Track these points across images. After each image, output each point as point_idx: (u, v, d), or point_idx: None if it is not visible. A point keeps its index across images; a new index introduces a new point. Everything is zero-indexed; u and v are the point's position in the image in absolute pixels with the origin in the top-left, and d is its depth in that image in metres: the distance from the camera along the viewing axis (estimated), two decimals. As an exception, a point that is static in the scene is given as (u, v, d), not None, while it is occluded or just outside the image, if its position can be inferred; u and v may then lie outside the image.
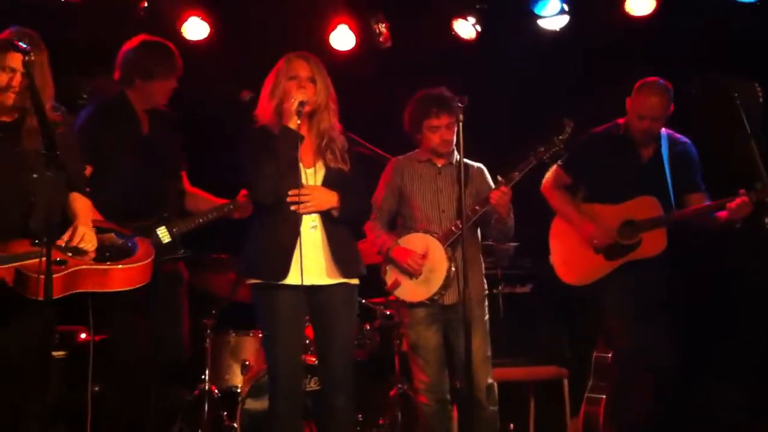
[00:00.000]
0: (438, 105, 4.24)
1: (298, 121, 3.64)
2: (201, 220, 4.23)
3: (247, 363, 4.80)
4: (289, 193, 3.66)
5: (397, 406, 4.83)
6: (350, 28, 5.57)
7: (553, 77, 5.65)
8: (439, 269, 4.21)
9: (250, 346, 4.87)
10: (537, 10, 5.49)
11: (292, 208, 3.65)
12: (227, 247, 4.83)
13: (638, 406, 4.40)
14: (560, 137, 4.25)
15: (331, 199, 3.69)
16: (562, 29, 5.52)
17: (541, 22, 5.54)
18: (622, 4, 5.44)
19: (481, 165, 4.44)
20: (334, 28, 5.55)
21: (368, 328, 5.06)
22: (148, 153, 4.18)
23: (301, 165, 3.69)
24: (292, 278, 3.64)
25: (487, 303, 4.35)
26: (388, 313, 5.02)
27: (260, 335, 4.85)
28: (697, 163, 4.54)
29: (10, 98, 3.32)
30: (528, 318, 5.24)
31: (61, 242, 3.32)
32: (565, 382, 5.27)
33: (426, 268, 4.23)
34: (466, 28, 5.58)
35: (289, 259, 3.62)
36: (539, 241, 4.72)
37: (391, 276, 4.30)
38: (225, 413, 4.72)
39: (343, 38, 5.57)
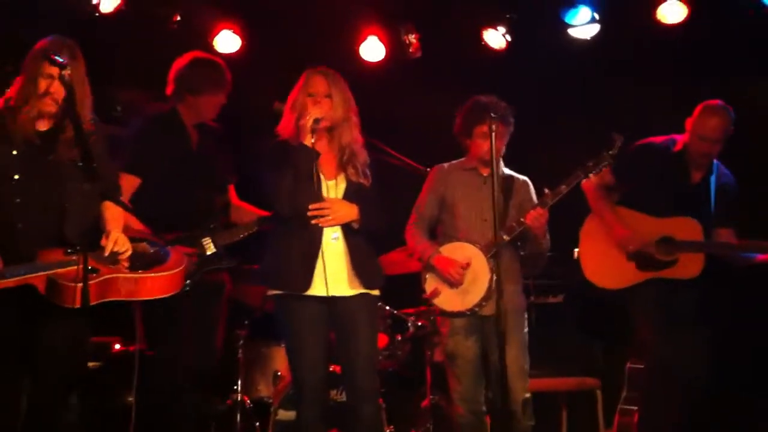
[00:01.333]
0: (493, 112, 4.18)
1: (312, 139, 3.68)
2: (245, 232, 4.32)
3: (279, 374, 4.80)
4: (310, 207, 3.69)
5: (429, 417, 4.81)
6: (380, 39, 5.59)
7: (583, 86, 5.63)
8: (481, 280, 4.17)
9: (281, 357, 4.86)
10: (567, 19, 5.47)
11: (313, 222, 3.69)
12: (259, 257, 4.85)
13: (670, 418, 4.34)
14: (610, 152, 4.19)
15: (351, 212, 3.73)
16: (593, 38, 5.50)
17: (571, 31, 5.52)
18: (654, 11, 5.40)
19: (526, 178, 4.41)
20: (364, 39, 5.57)
21: (399, 338, 5.05)
22: (195, 167, 4.26)
23: (322, 178, 3.74)
24: (315, 289, 3.67)
25: (526, 315, 4.31)
26: (419, 323, 5.00)
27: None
28: (737, 201, 4.51)
29: (48, 104, 3.33)
30: (560, 328, 5.21)
31: (103, 243, 3.33)
32: (598, 392, 5.23)
33: (467, 278, 4.19)
34: (496, 37, 5.57)
35: (312, 270, 3.66)
36: (572, 251, 4.68)
37: (431, 284, 4.27)
38: (257, 423, 4.73)
39: (373, 49, 5.59)
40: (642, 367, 4.73)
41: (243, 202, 4.50)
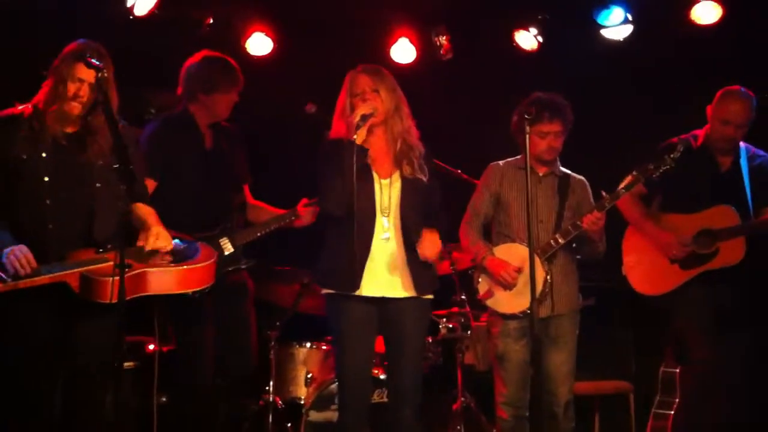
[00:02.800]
0: (551, 110, 4.14)
1: (355, 135, 3.61)
2: (262, 231, 4.32)
3: (311, 374, 4.81)
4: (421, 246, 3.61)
5: (460, 419, 4.79)
6: (411, 41, 5.58)
7: (616, 88, 5.58)
8: (535, 282, 4.13)
9: (313, 358, 4.89)
10: (600, 20, 5.43)
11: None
12: (291, 258, 4.88)
13: (710, 421, 4.29)
14: (671, 155, 4.13)
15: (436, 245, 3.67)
16: (626, 39, 5.45)
17: (604, 32, 5.47)
18: (688, 12, 5.35)
19: (582, 178, 4.36)
20: (395, 41, 5.56)
21: (431, 341, 5.03)
22: (210, 167, 4.27)
23: (376, 177, 3.69)
24: (366, 289, 3.63)
25: (579, 318, 4.28)
26: (450, 325, 4.98)
27: (323, 347, 4.91)
28: None
29: (76, 108, 3.39)
30: (592, 331, 5.15)
31: (142, 243, 3.38)
32: (631, 396, 5.19)
33: (521, 280, 4.13)
34: (527, 39, 5.54)
35: (360, 271, 3.61)
36: (605, 254, 4.64)
37: (483, 285, 4.24)
38: (289, 424, 4.74)
39: (404, 51, 5.58)
40: (676, 371, 4.69)
41: (258, 201, 4.49)
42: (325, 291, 3.73)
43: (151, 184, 4.09)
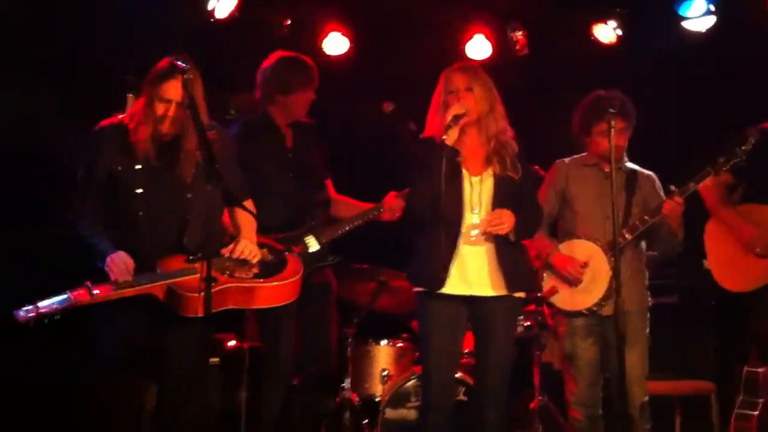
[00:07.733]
0: (611, 107, 4.05)
1: (445, 136, 3.59)
2: (348, 227, 4.34)
3: (387, 371, 4.84)
4: (481, 220, 3.60)
5: (537, 418, 4.76)
6: (486, 37, 5.56)
7: (698, 80, 5.46)
8: (601, 279, 4.08)
9: (389, 355, 4.91)
10: (682, 12, 5.32)
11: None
12: (368, 256, 4.91)
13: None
14: (743, 148, 4.06)
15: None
16: (708, 31, 5.33)
17: (685, 24, 5.36)
18: (773, 2, 5.20)
19: (651, 173, 4.31)
20: (470, 38, 5.55)
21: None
22: (293, 166, 4.32)
23: (466, 174, 3.68)
24: (454, 288, 3.63)
25: (649, 316, 4.22)
26: (527, 323, 4.95)
27: (399, 344, 4.94)
28: None
29: (166, 126, 3.47)
30: (674, 330, 5.07)
31: (226, 251, 3.45)
32: (713, 397, 5.08)
33: (587, 277, 4.11)
34: (606, 32, 5.46)
35: (446, 269, 3.60)
36: (685, 250, 4.55)
37: (548, 282, 4.21)
38: (366, 421, 4.78)
39: (479, 47, 5.56)
40: (761, 371, 4.56)
41: (342, 195, 4.52)
42: (416, 290, 3.73)
43: None
